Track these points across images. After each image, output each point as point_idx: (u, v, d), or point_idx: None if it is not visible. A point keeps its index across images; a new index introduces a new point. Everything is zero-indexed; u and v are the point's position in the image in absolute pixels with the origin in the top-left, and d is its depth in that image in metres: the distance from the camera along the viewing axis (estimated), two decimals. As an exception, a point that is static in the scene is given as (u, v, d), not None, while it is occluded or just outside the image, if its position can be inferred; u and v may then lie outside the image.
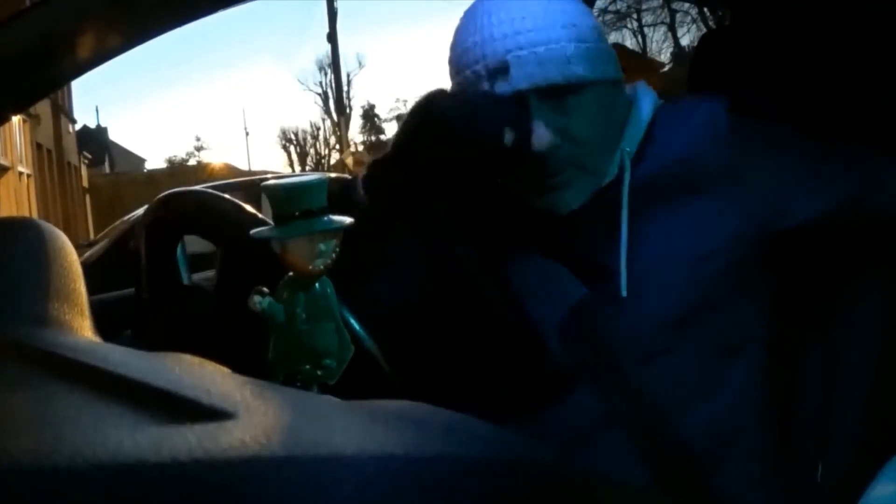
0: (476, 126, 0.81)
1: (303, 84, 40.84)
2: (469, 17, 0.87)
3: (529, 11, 0.83)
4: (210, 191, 1.12)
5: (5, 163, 13.87)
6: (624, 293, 0.84)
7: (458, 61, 0.87)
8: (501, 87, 0.83)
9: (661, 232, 0.85)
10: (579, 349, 0.87)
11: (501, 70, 0.83)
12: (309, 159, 33.07)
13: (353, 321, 0.98)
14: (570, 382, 0.86)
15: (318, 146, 33.17)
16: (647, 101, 0.91)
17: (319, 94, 31.29)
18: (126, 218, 6.31)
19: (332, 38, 18.17)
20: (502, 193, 0.92)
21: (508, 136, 0.80)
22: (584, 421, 0.84)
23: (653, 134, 0.89)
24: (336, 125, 25.07)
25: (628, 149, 0.88)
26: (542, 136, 0.83)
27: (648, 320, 0.84)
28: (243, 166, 28.08)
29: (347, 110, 28.00)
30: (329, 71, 27.04)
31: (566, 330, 0.87)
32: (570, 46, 0.83)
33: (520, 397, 0.90)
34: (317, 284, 0.63)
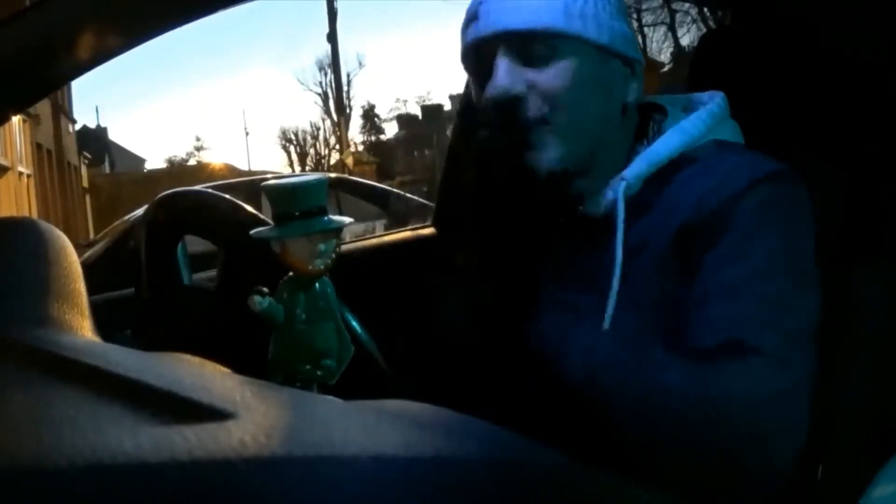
0: None
1: (303, 84, 40.95)
2: None
3: None
4: (210, 191, 1.12)
5: (5, 163, 13.86)
6: (606, 326, 0.81)
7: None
8: (469, 35, 0.85)
9: (645, 274, 0.81)
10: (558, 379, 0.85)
11: (473, 18, 0.84)
12: (309, 159, 33.08)
13: (353, 321, 0.98)
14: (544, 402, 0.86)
15: (318, 146, 33.17)
16: (679, 136, 0.84)
17: (319, 94, 31.31)
18: (126, 218, 6.31)
19: (332, 38, 18.16)
20: (519, 199, 0.92)
21: None
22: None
23: (672, 179, 0.82)
24: (336, 125, 25.06)
25: (628, 176, 0.83)
26: (500, 79, 0.81)
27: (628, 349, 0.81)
28: (243, 166, 28.11)
29: (347, 110, 28.02)
30: (329, 71, 27.10)
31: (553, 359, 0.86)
32: None
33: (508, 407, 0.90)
34: (317, 284, 0.63)
